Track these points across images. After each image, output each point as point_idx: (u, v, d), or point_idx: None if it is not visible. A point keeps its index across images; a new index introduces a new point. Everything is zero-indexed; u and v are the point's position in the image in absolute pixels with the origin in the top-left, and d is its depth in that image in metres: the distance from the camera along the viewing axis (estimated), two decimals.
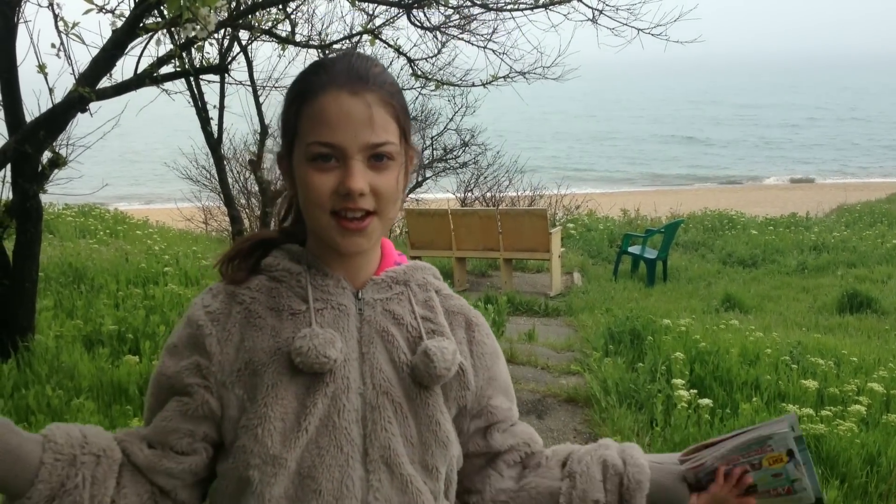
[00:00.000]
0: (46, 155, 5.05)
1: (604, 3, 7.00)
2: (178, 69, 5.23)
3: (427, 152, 15.69)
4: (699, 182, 35.93)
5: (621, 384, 5.62)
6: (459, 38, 8.14)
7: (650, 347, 6.32)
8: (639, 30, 7.11)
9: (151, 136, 43.39)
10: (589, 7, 7.04)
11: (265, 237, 1.38)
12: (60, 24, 4.31)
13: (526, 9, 7.29)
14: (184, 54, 5.40)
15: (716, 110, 69.16)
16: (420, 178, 15.84)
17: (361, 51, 8.57)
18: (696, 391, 4.88)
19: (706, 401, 4.66)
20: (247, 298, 1.29)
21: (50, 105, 4.84)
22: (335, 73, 1.22)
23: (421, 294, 1.39)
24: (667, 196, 25.57)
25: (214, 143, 10.17)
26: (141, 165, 38.03)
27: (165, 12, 4.72)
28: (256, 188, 13.03)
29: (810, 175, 37.16)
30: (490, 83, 7.87)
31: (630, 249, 12.17)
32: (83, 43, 4.29)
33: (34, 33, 4.95)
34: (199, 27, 2.06)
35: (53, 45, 4.39)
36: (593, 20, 7.06)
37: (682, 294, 10.77)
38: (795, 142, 49.88)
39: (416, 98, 14.93)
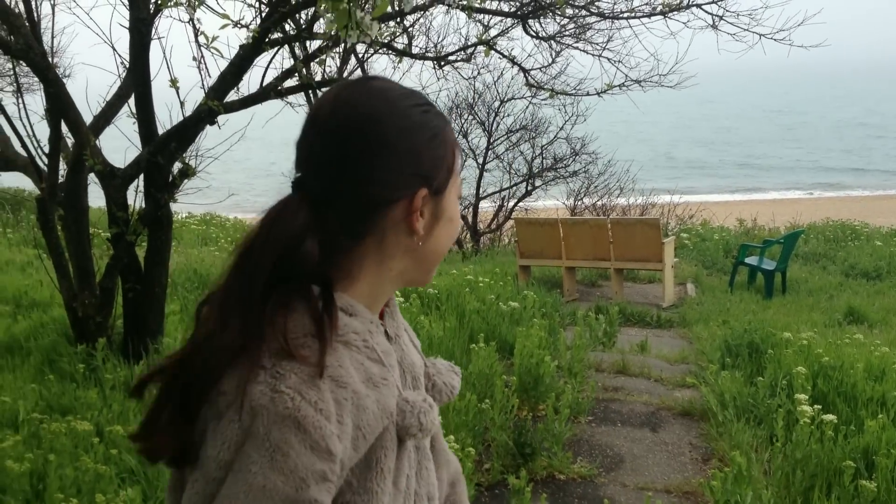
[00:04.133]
0: (177, 165, 5.32)
1: (724, 8, 6.88)
2: (300, 82, 5.41)
3: (537, 161, 15.69)
4: (821, 190, 34.63)
5: (739, 398, 5.48)
6: (574, 48, 8.13)
7: (769, 361, 6.13)
8: (761, 35, 6.94)
9: (273, 148, 44.75)
10: (709, 13, 6.93)
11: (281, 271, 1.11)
12: (201, 38, 4.53)
13: (643, 16, 7.23)
14: (304, 68, 5.58)
15: (840, 116, 66.51)
16: (530, 188, 15.84)
17: (475, 60, 8.66)
18: (819, 407, 4.71)
19: (830, 417, 4.49)
20: (346, 383, 1.07)
21: (181, 118, 5.09)
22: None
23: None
24: (785, 206, 24.73)
25: None
26: (261, 177, 39.24)
27: (294, 27, 4.90)
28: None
29: None
30: (605, 92, 7.82)
31: (747, 260, 11.83)
32: (223, 56, 4.51)
33: (167, 49, 5.23)
34: (361, 34, 2.16)
35: (195, 59, 4.63)
36: (714, 26, 6.93)
37: (803, 307, 10.40)
38: None
39: (527, 107, 15.01)
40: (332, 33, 4.05)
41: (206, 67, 4.77)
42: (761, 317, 8.96)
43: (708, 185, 35.93)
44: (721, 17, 6.88)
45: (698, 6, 6.91)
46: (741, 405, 5.39)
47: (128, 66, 5.40)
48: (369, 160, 1.12)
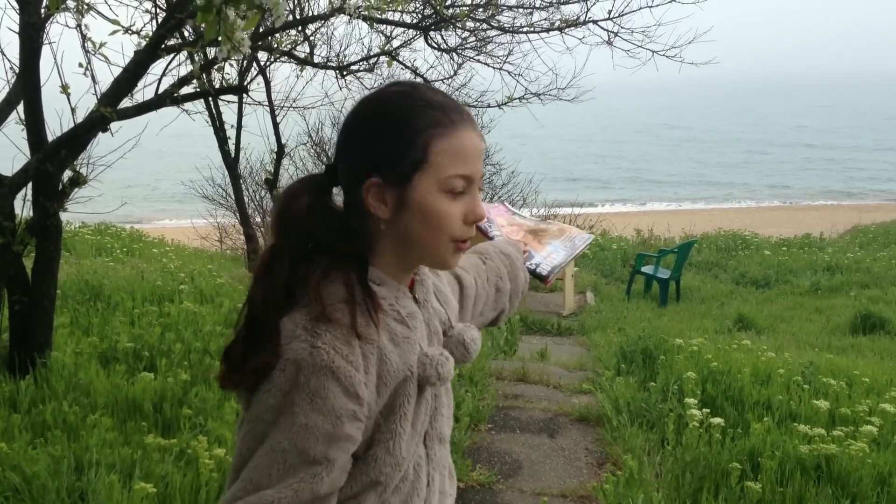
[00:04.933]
0: (67, 174, 5.14)
1: (619, 25, 7.09)
2: (197, 90, 5.32)
3: None
4: (714, 202, 35.90)
5: (633, 403, 5.64)
6: (475, 60, 8.24)
7: (662, 367, 6.33)
8: (654, 52, 7.18)
9: (170, 155, 43.74)
10: (605, 30, 7.13)
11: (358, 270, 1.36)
12: (88, 44, 4.40)
13: (542, 31, 7.39)
14: (203, 75, 5.49)
15: (729, 131, 69.09)
16: None
17: (378, 71, 8.69)
18: (708, 410, 4.90)
19: (718, 420, 4.67)
20: (373, 340, 1.30)
21: (72, 125, 4.94)
22: (463, 112, 1.34)
23: (430, 275, 1.53)
24: (680, 216, 25.55)
25: (231, 161, 10.30)
26: (158, 184, 38.30)
27: (193, 33, 4.83)
28: (272, 207, 13.12)
29: (822, 196, 37.07)
30: (505, 104, 7.94)
31: (643, 269, 12.19)
32: (109, 63, 4.39)
33: (58, 54, 5.06)
34: (231, 48, 2.13)
35: (81, 65, 4.49)
36: (609, 42, 7.14)
37: (695, 314, 10.77)
38: (811, 160, 49.78)
39: None
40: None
41: (94, 75, 4.63)
42: (656, 324, 9.25)
43: (606, 196, 36.83)
44: (616, 34, 7.10)
45: (594, 23, 7.11)
46: (635, 410, 5.55)
47: (17, 71, 5.21)
48: (340, 149, 1.36)
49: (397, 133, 1.30)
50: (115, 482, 3.52)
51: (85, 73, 4.58)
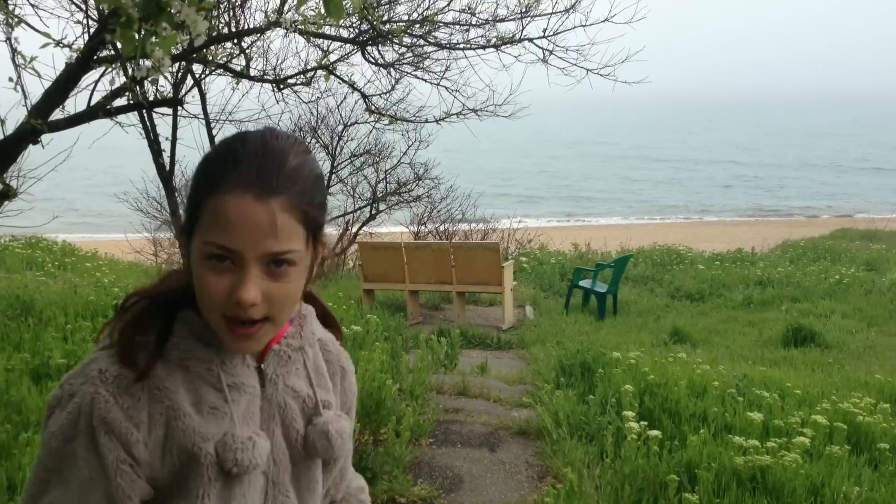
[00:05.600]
0: None
1: (554, 44, 7.19)
2: (131, 102, 5.23)
3: (380, 186, 15.78)
4: (646, 217, 36.56)
5: (572, 416, 5.68)
6: (413, 76, 8.26)
7: (601, 380, 6.40)
8: (588, 70, 7.29)
9: (102, 168, 42.87)
10: (540, 48, 7.22)
11: (169, 294, 1.26)
12: (18, 58, 4.29)
13: (478, 48, 7.45)
14: (136, 87, 5.39)
15: (660, 148, 70.49)
16: (374, 212, 15.90)
17: (316, 85, 8.65)
18: (645, 423, 4.96)
19: (655, 432, 4.73)
20: (166, 398, 1.19)
21: (1, 136, 4.81)
22: (244, 171, 1.15)
23: (312, 355, 1.38)
24: (617, 231, 25.93)
25: (166, 175, 10.11)
26: (90, 198, 37.49)
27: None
28: None
29: (751, 212, 38.08)
30: (443, 119, 7.98)
31: (581, 283, 12.32)
32: (40, 77, 4.28)
33: None
34: (151, 68, 2.09)
35: (11, 80, 4.38)
36: (544, 60, 7.23)
37: (632, 327, 10.92)
38: (742, 178, 51.06)
39: (370, 132, 15.09)
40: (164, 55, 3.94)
41: (24, 88, 4.52)
42: (594, 337, 9.35)
43: (542, 210, 37.23)
44: (551, 52, 7.20)
45: (530, 40, 7.19)
46: (574, 423, 5.59)
47: None
48: None
49: (193, 182, 1.20)
50: None
51: (15, 88, 4.46)
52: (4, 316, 7.07)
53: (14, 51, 4.19)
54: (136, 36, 1.99)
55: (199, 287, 1.17)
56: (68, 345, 6.11)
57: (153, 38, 1.96)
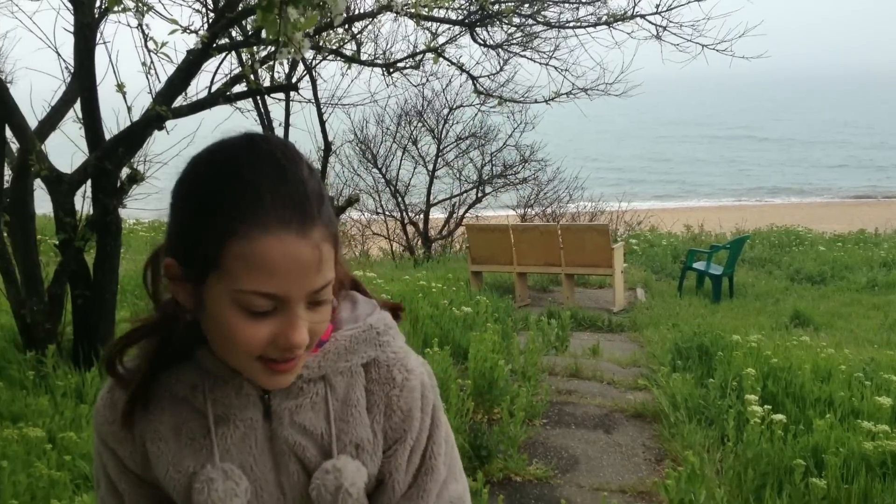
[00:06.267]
0: (125, 171, 5.22)
1: (668, 19, 7.00)
2: (249, 87, 5.36)
3: (486, 168, 15.76)
4: (765, 197, 35.40)
5: (690, 399, 5.55)
6: (521, 56, 8.19)
7: (720, 363, 6.23)
8: (703, 45, 7.07)
9: None
10: (653, 24, 7.04)
11: (163, 328, 1.16)
12: (150, 43, 4.46)
13: (588, 26, 7.32)
14: (252, 74, 5.53)
15: (777, 126, 68.09)
16: (480, 194, 15.91)
17: (423, 68, 8.67)
18: (769, 407, 4.80)
19: (779, 416, 4.57)
20: (147, 420, 1.15)
21: (128, 123, 5.01)
22: (276, 204, 1.00)
23: (343, 384, 1.18)
24: (730, 212, 25.20)
25: None
26: None
27: (241, 33, 4.86)
28: None
29: (872, 192, 36.33)
30: (552, 100, 7.88)
31: (695, 265, 12.01)
32: (171, 62, 4.44)
33: (113, 53, 5.14)
34: (292, 49, 2.12)
35: (144, 64, 4.55)
36: (657, 37, 7.05)
37: (750, 311, 10.59)
38: (858, 158, 48.82)
39: (476, 114, 15.09)
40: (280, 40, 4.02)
41: (156, 73, 4.69)
42: (710, 320, 9.10)
43: (650, 192, 36.46)
44: (664, 28, 7.01)
45: (642, 17, 7.02)
46: (692, 406, 5.46)
47: (73, 70, 5.29)
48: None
49: (197, 217, 1.02)
50: None
51: (147, 73, 4.63)
52: (133, 296, 7.38)
53: (146, 36, 4.35)
54: (279, 18, 2.02)
55: (230, 336, 1.03)
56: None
57: (293, 18, 1.99)
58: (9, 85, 5.41)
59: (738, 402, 5.19)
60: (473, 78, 8.66)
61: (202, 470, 1.11)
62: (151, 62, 4.61)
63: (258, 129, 10.15)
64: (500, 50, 8.32)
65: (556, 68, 8.18)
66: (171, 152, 5.34)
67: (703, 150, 54.03)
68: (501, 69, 8.94)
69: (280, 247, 0.98)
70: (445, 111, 15.25)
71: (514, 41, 8.23)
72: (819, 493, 3.87)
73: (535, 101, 9.30)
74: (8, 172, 5.37)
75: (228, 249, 0.99)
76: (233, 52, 6.08)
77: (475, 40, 7.87)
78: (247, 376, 1.10)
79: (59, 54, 5.21)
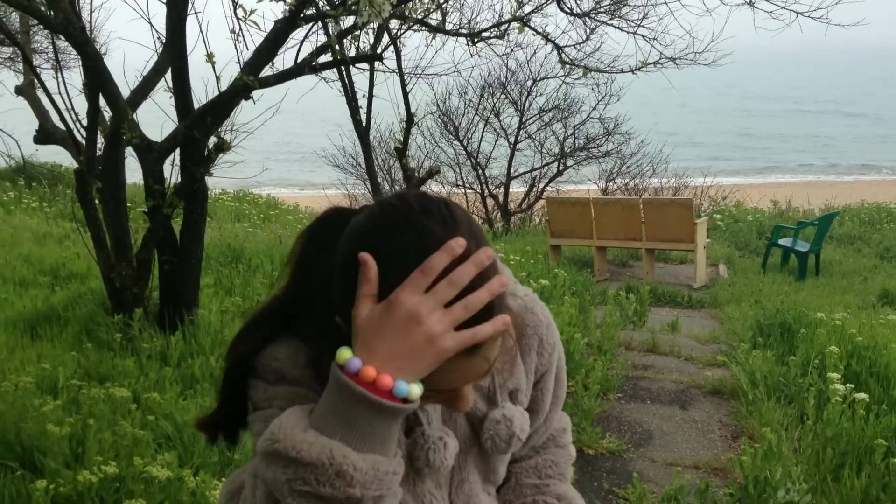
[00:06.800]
0: (212, 140, 5.37)
1: None
2: (333, 58, 5.43)
3: (568, 141, 15.63)
4: (855, 173, 34.17)
5: (770, 377, 5.47)
6: (609, 24, 8.06)
7: (802, 341, 6.10)
8: (798, 13, 6.84)
9: (300, 125, 44.88)
10: None
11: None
12: (240, 11, 4.57)
13: None
14: (338, 44, 5.60)
15: (870, 100, 65.45)
16: (561, 168, 15.80)
17: (508, 37, 8.61)
18: (851, 386, 4.69)
19: (862, 395, 4.47)
20: None
21: (216, 93, 5.14)
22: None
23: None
24: (819, 188, 24.43)
25: (363, 130, 10.49)
26: (291, 154, 39.43)
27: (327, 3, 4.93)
28: (400, 175, 13.33)
29: None
30: (639, 69, 7.74)
31: (780, 241, 11.72)
32: (260, 30, 4.54)
33: (203, 23, 5.28)
34: (372, 13, 2.16)
35: (233, 32, 4.66)
36: (750, 3, 6.85)
37: (836, 289, 10.29)
38: None
39: (560, 86, 14.94)
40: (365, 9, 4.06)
41: (245, 41, 4.80)
42: (794, 298, 8.89)
43: (735, 167, 35.53)
44: None
45: None
46: (772, 384, 5.38)
47: (164, 41, 5.45)
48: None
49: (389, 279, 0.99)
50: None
51: (236, 41, 4.74)
52: (217, 263, 7.62)
53: (235, 4, 4.46)
54: None
55: None
56: (275, 291, 6.47)
57: None
58: (103, 55, 5.60)
59: (819, 381, 5.09)
60: (559, 47, 8.56)
61: (423, 433, 1.19)
62: (240, 30, 4.71)
63: (337, 102, 10.27)
64: (586, 18, 8.20)
65: (643, 37, 8.02)
66: (257, 121, 5.50)
67: (788, 124, 52.29)
68: (588, 38, 8.82)
69: (462, 368, 1.02)
70: (529, 83, 15.16)
71: (602, 9, 8.10)
72: None
73: (622, 71, 9.15)
74: (101, 141, 5.57)
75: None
76: (319, 23, 6.17)
77: (562, 8, 7.78)
78: None
79: (151, 24, 5.37)
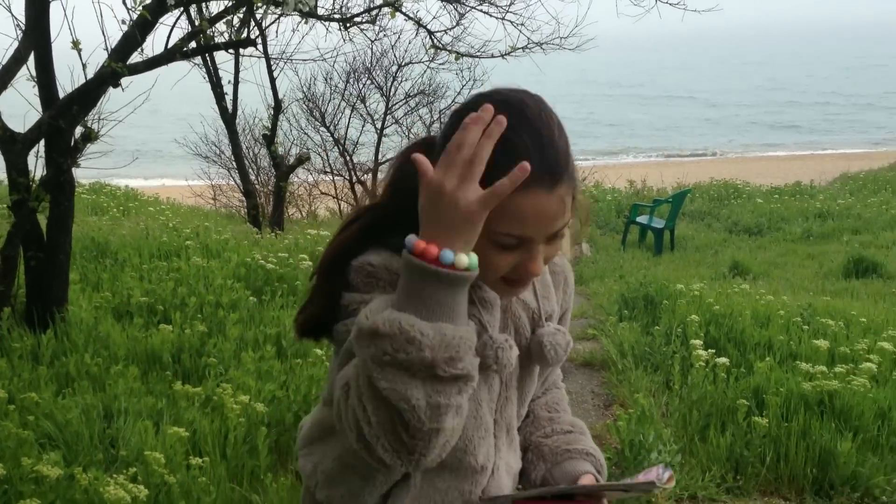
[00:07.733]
0: (79, 130, 5.19)
1: None
2: (203, 43, 5.35)
3: (435, 126, 15.78)
4: (705, 155, 36.00)
5: (637, 347, 5.79)
6: (478, 9, 8.19)
7: (665, 311, 6.48)
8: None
9: (163, 113, 43.26)
10: None
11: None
12: None
13: None
14: (207, 30, 5.50)
15: (719, 82, 68.94)
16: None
17: (379, 22, 8.63)
18: (712, 351, 5.04)
19: (723, 360, 4.81)
20: None
21: (83, 80, 4.97)
22: (533, 167, 1.11)
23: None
24: (672, 167, 25.65)
25: (229, 117, 10.29)
26: (151, 143, 37.96)
27: None
28: (268, 163, 13.15)
29: (807, 146, 37.18)
30: (508, 54, 7.93)
31: (638, 219, 12.31)
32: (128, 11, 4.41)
33: (68, 9, 5.08)
34: (299, 3, 2.20)
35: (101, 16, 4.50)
36: None
37: (690, 262, 10.93)
38: (790, 114, 49.80)
39: (425, 72, 15.06)
40: None
41: (105, 30, 4.65)
42: (653, 272, 9.39)
43: (590, 149, 36.76)
44: None
45: None
46: (639, 354, 5.70)
47: (24, 29, 5.22)
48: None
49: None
50: (150, 427, 3.64)
51: (103, 27, 4.59)
52: (81, 258, 7.32)
53: None
54: None
55: (481, 260, 1.18)
56: (146, 284, 6.33)
57: None
58: None
59: (682, 349, 5.44)
60: (431, 33, 8.65)
61: (492, 336, 1.32)
62: (101, 16, 4.56)
63: (197, 88, 10.04)
64: (457, 4, 8.30)
65: (511, 23, 8.19)
66: (125, 110, 5.34)
67: (641, 109, 54.43)
68: (458, 23, 8.94)
69: (532, 202, 1.19)
70: (394, 68, 15.19)
71: None
72: (761, 430, 4.13)
73: (492, 56, 9.33)
74: None
75: None
76: (186, 8, 6.04)
77: None
78: (491, 288, 1.34)
79: (10, 12, 5.14)
